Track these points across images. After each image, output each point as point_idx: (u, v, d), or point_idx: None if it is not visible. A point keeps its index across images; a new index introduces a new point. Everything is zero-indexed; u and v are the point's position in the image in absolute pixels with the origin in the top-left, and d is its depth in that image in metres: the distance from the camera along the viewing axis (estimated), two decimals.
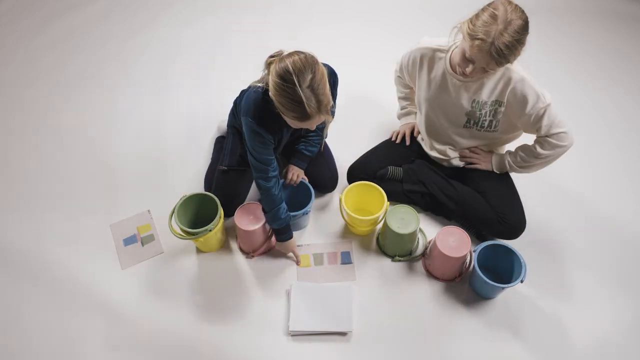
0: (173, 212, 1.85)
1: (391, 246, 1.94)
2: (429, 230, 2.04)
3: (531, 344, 1.76)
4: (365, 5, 3.10)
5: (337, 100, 2.45)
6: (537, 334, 1.78)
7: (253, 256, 1.96)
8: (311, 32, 2.90)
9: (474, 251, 1.77)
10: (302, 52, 1.52)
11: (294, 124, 1.60)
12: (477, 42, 1.50)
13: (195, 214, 1.94)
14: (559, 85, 2.61)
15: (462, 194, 1.95)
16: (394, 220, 1.86)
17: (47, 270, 1.95)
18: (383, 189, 2.05)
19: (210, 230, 1.81)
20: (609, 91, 2.59)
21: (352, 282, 1.90)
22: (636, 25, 2.93)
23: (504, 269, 1.80)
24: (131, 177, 2.24)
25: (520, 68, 1.69)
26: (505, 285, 1.70)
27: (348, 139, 2.31)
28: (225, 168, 1.98)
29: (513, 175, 1.98)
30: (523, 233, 1.91)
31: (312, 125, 1.58)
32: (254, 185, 2.13)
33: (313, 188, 2.00)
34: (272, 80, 1.50)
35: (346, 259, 1.97)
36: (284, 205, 1.83)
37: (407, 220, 1.87)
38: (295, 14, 3.02)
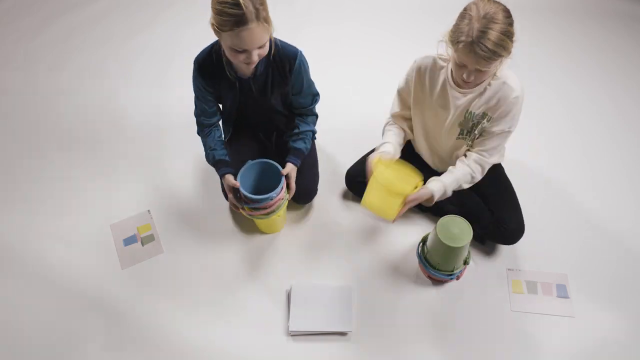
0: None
1: (438, 259, 1.79)
2: (413, 232, 2.03)
3: (529, 347, 1.76)
4: (365, 5, 3.10)
5: (336, 100, 2.47)
6: (534, 338, 1.78)
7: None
8: (311, 32, 2.90)
9: None
10: None
11: (232, 43, 1.53)
12: (460, 45, 1.49)
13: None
14: (558, 85, 2.60)
15: (461, 198, 1.95)
16: (446, 231, 1.71)
17: (47, 270, 1.95)
18: None
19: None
20: (609, 91, 2.59)
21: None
22: (636, 25, 2.93)
23: None
24: (131, 177, 2.24)
25: (518, 85, 1.67)
26: None
27: (346, 141, 2.30)
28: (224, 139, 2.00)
29: (511, 178, 1.97)
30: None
31: (252, 40, 1.52)
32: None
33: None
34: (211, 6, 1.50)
35: (562, 292, 1.88)
36: (212, 141, 1.89)
37: (460, 233, 1.70)
38: (295, 13, 3.02)
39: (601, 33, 2.88)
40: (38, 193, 2.19)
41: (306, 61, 1.80)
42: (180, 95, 2.57)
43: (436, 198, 1.77)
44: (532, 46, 2.76)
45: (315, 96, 1.92)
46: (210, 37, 1.60)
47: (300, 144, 1.90)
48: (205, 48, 1.75)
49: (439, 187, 1.77)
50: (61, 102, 2.56)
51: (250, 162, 1.84)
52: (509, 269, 1.93)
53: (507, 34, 1.48)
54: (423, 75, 1.76)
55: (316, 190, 2.05)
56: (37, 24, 2.99)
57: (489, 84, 1.66)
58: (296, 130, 1.91)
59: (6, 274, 1.95)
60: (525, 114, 1.77)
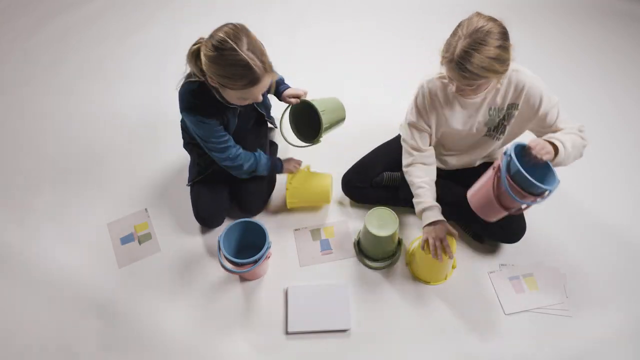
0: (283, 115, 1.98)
1: (372, 249, 1.91)
2: (412, 233, 2.02)
3: (528, 346, 1.75)
4: (364, 5, 3.09)
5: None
6: (532, 336, 1.77)
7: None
8: (308, 32, 2.89)
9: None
10: (229, 23, 1.53)
11: (241, 95, 1.58)
12: (445, 61, 1.49)
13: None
14: (558, 84, 2.58)
15: (461, 199, 1.93)
16: (373, 223, 1.82)
17: (44, 269, 1.93)
18: (378, 196, 2.04)
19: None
20: (608, 91, 2.59)
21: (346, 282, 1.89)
22: (635, 24, 2.94)
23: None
24: (128, 176, 2.22)
25: (529, 71, 1.65)
26: (546, 187, 1.48)
27: (342, 143, 2.28)
28: (190, 183, 2.00)
29: None
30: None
31: (261, 90, 1.57)
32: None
33: (237, 206, 2.02)
34: (207, 57, 1.50)
35: (560, 292, 1.84)
36: (254, 154, 1.90)
37: (385, 222, 1.82)
38: (292, 13, 3.02)
39: (601, 33, 2.89)
40: (34, 192, 2.17)
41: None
42: (177, 95, 2.55)
43: (559, 154, 1.56)
44: (532, 46, 2.76)
45: None
46: (207, 36, 1.57)
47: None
48: (187, 93, 1.73)
49: (555, 138, 1.58)
50: (57, 102, 2.55)
51: (231, 224, 1.81)
52: (501, 264, 1.94)
53: (497, 57, 1.43)
54: (434, 97, 1.71)
55: (262, 206, 2.06)
56: (33, 23, 2.98)
57: (500, 82, 1.63)
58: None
59: (3, 273, 1.93)
60: None
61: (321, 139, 1.91)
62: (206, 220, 1.98)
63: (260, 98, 1.62)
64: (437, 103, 1.72)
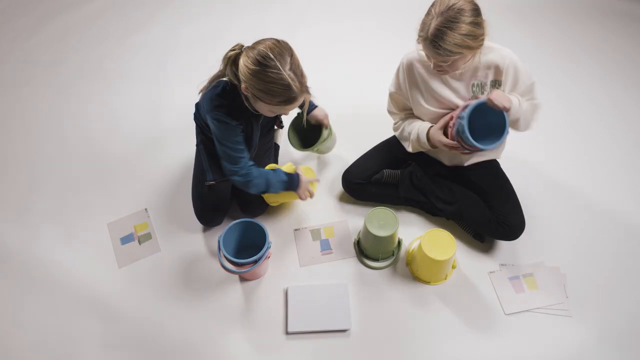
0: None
1: (372, 249, 1.91)
2: (412, 233, 2.02)
3: (527, 346, 1.75)
4: (364, 5, 3.09)
5: (333, 100, 2.46)
6: (532, 336, 1.77)
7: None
8: (308, 31, 2.89)
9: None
10: (272, 38, 1.53)
11: (272, 109, 1.58)
12: (420, 39, 1.54)
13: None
14: (558, 84, 2.60)
15: (460, 197, 1.93)
16: (373, 223, 1.83)
17: (44, 269, 1.93)
18: (378, 193, 2.04)
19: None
20: (608, 90, 2.59)
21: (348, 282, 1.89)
22: (635, 24, 2.93)
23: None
24: (128, 176, 2.22)
25: (508, 50, 1.69)
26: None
27: (342, 141, 2.27)
28: (213, 182, 1.91)
29: (509, 177, 1.96)
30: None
31: (294, 107, 1.59)
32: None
33: (240, 208, 2.02)
34: (248, 68, 1.48)
35: (560, 291, 1.86)
36: (268, 171, 1.79)
37: (385, 222, 1.83)
38: (292, 13, 3.01)
39: (601, 33, 2.89)
40: (34, 192, 2.17)
41: None
42: (177, 95, 2.56)
43: (513, 106, 1.64)
44: (532, 46, 2.76)
45: None
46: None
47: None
48: (215, 95, 1.67)
49: (515, 99, 1.68)
50: (57, 102, 2.54)
51: (231, 224, 1.79)
52: (501, 264, 1.93)
53: (469, 34, 1.49)
54: (412, 71, 1.76)
55: (264, 208, 2.04)
56: (33, 23, 2.97)
57: (484, 54, 1.65)
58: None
59: (3, 273, 1.93)
60: None
61: (312, 150, 2.02)
62: (207, 218, 1.98)
63: (289, 114, 1.62)
64: (418, 78, 1.76)
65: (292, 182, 1.83)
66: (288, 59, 1.49)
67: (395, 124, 1.98)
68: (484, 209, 1.90)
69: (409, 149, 1.91)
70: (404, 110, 1.92)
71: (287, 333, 1.77)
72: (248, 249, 1.84)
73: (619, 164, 2.27)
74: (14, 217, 2.09)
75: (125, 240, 2.01)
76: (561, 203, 2.12)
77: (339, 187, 2.12)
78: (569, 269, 1.92)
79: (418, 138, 1.83)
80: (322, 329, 1.76)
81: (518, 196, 1.91)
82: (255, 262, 1.73)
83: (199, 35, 2.84)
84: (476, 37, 1.51)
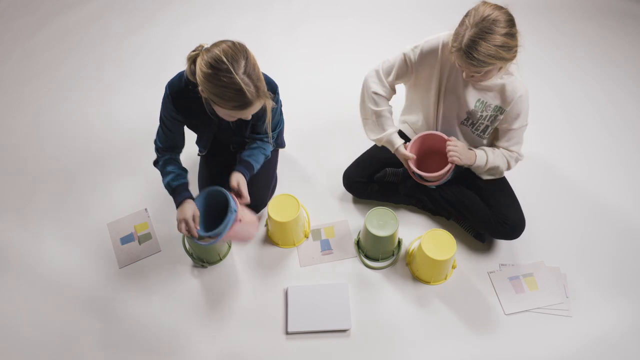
0: None
1: (372, 249, 1.92)
2: (412, 232, 2.01)
3: (527, 346, 1.75)
4: (363, 3, 3.09)
5: (333, 99, 2.47)
6: (532, 336, 1.77)
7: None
8: (308, 31, 2.88)
9: None
10: (229, 40, 1.46)
11: (230, 114, 1.52)
12: (453, 50, 1.52)
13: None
14: (556, 83, 2.60)
15: (460, 196, 1.93)
16: (373, 223, 1.83)
17: (44, 269, 1.93)
18: (381, 191, 2.04)
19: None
20: (605, 88, 2.59)
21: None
22: (632, 22, 2.93)
23: None
24: (128, 176, 2.22)
25: (524, 84, 1.69)
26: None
27: (343, 141, 2.28)
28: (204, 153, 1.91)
29: (508, 176, 1.96)
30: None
31: (251, 112, 1.51)
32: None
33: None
34: (201, 72, 1.43)
35: (560, 291, 1.89)
36: (171, 171, 1.73)
37: (385, 222, 1.84)
38: (292, 13, 3.01)
39: (598, 31, 2.88)
40: (34, 192, 2.17)
41: (279, 96, 1.78)
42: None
43: (475, 163, 1.77)
44: (532, 46, 2.76)
45: (277, 125, 1.89)
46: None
47: (253, 160, 1.82)
48: (177, 78, 1.65)
49: (481, 153, 1.77)
50: (57, 102, 2.54)
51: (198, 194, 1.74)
52: (501, 264, 1.94)
53: (503, 45, 1.48)
54: (446, 53, 1.68)
55: (265, 202, 1.99)
56: (34, 23, 2.97)
57: (502, 77, 1.66)
58: (254, 145, 1.85)
59: (3, 273, 1.93)
60: None
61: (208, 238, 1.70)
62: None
63: (249, 117, 1.55)
64: (447, 61, 1.69)
65: (173, 196, 1.73)
66: (242, 63, 1.41)
67: (372, 90, 1.84)
68: (484, 208, 1.90)
69: (365, 128, 1.90)
70: (395, 80, 1.83)
71: (287, 333, 1.77)
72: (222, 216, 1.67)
73: (619, 163, 2.27)
74: (14, 216, 2.09)
75: (125, 240, 2.01)
76: (561, 203, 2.12)
77: (339, 187, 2.12)
78: (569, 269, 1.92)
79: (389, 139, 1.82)
80: (322, 329, 1.76)
81: (518, 196, 1.91)
82: (218, 235, 1.62)
83: (199, 35, 2.84)
84: (510, 48, 1.50)
